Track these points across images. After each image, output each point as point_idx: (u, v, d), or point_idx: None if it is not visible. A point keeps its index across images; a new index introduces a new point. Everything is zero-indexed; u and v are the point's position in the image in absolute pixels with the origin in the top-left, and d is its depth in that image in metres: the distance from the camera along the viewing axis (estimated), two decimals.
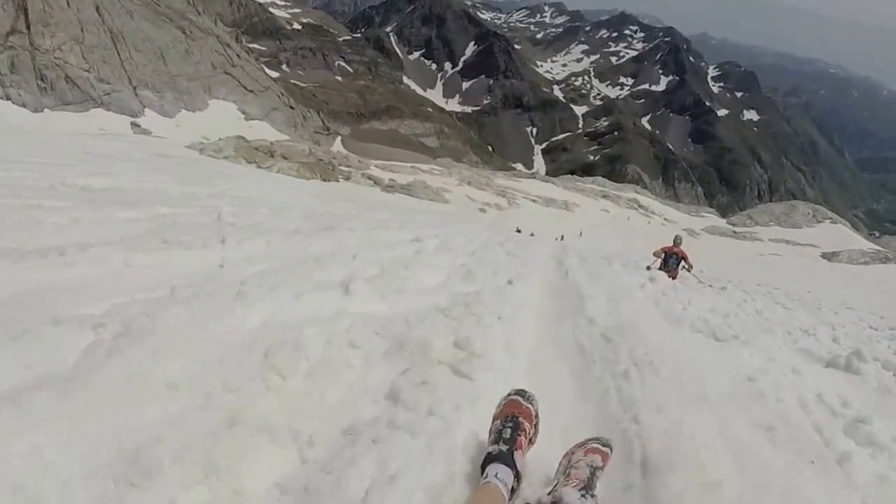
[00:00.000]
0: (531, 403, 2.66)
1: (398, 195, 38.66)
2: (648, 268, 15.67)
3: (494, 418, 2.61)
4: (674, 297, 8.74)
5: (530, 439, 2.60)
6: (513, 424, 2.50)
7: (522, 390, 2.74)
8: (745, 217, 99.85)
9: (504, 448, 2.36)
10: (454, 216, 37.38)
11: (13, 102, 45.95)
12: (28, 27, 47.38)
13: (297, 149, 40.52)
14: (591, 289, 7.12)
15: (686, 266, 15.93)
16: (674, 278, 14.99)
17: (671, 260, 15.77)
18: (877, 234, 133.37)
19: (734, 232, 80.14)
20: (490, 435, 2.53)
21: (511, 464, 2.30)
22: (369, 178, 41.88)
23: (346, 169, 42.32)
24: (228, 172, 20.23)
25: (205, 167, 19.84)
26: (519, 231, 31.07)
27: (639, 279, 10.20)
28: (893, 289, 34.88)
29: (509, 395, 2.71)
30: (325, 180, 33.18)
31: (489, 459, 2.33)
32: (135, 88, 56.59)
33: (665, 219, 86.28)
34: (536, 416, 2.68)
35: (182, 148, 30.37)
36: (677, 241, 16.13)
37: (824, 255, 62.15)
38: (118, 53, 56.08)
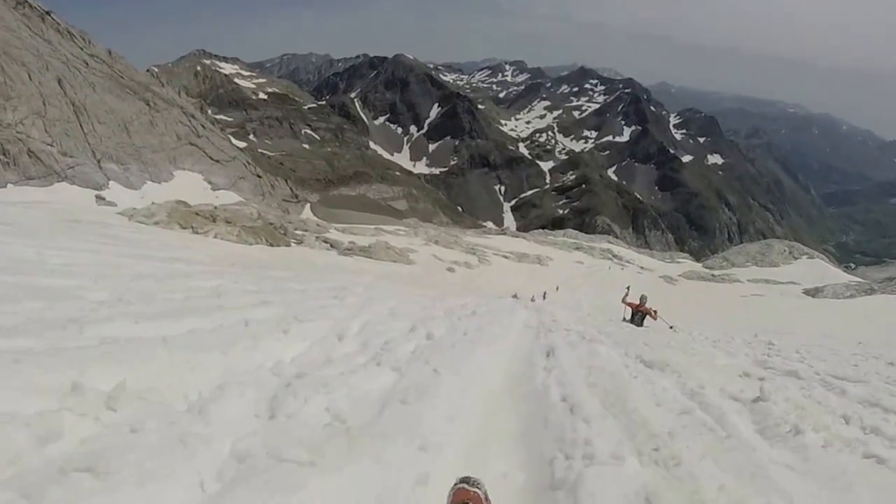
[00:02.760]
0: (478, 487, 2.59)
1: (356, 258, 36.11)
2: (624, 319, 18.60)
3: None
4: None
5: None
6: None
7: (467, 477, 2.68)
8: (720, 259, 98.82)
9: None
10: (417, 278, 34.96)
11: None
12: None
13: (244, 213, 38.03)
14: None
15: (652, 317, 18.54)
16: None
17: (636, 317, 18.13)
18: (852, 265, 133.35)
19: (712, 275, 78.39)
20: None
21: None
22: (325, 241, 39.33)
23: (300, 233, 39.86)
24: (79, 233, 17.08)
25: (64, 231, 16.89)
26: (516, 297, 28.38)
27: None
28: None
29: (456, 484, 2.63)
30: (271, 245, 30.58)
31: None
32: (99, 161, 54.50)
33: (641, 267, 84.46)
34: (486, 499, 2.59)
35: (112, 215, 28.11)
36: (643, 300, 18.36)
37: (807, 292, 60.45)
38: (81, 126, 54.47)
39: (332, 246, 38.47)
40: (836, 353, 15.00)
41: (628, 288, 20.95)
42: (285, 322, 6.28)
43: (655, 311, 18.55)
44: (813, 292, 59.38)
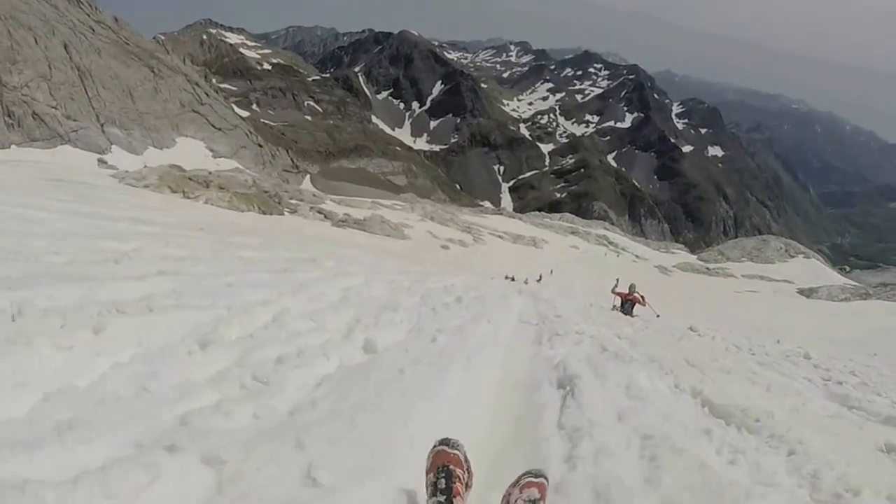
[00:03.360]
0: (458, 449, 2.60)
1: (349, 230, 35.77)
2: (614, 307, 18.92)
3: (427, 472, 2.54)
4: None
5: (466, 484, 2.56)
6: (446, 474, 2.44)
7: (447, 439, 2.66)
8: (716, 253, 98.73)
9: (442, 499, 2.34)
10: (410, 253, 34.57)
11: None
12: None
13: (239, 180, 37.62)
14: None
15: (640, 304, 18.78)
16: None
17: (626, 304, 18.49)
18: (847, 268, 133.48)
19: (707, 268, 78.31)
20: (427, 489, 2.47)
21: None
22: (320, 211, 38.93)
23: (295, 202, 39.47)
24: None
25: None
26: (512, 279, 28.35)
27: None
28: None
29: (435, 446, 2.63)
30: (263, 213, 30.14)
31: None
32: (102, 125, 55.39)
33: (636, 255, 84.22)
34: (466, 460, 2.63)
35: (104, 176, 27.74)
36: (632, 288, 18.73)
37: (801, 292, 60.27)
38: (85, 90, 55.22)
39: (326, 217, 38.11)
40: (882, 375, 13.29)
41: (617, 280, 21.42)
42: (123, 309, 3.84)
43: (643, 297, 18.97)
44: (807, 292, 59.17)
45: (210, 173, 36.32)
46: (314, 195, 52.37)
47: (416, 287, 10.62)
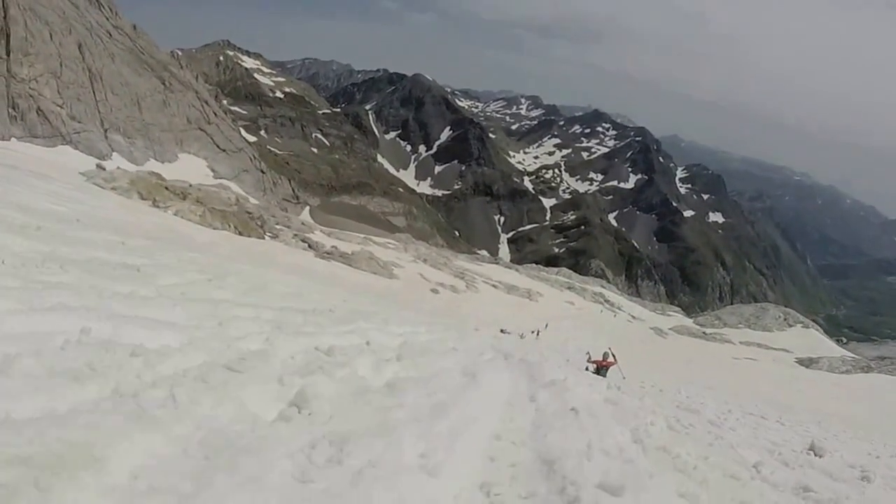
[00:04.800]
0: None
1: (333, 263, 33.86)
2: (587, 368, 18.65)
3: None
4: None
5: None
6: None
7: None
8: (713, 317, 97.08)
9: None
10: (394, 293, 32.69)
11: None
12: (8, 53, 45.37)
13: (221, 196, 35.91)
14: None
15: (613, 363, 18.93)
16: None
17: (602, 371, 18.42)
18: (844, 340, 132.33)
19: (704, 333, 76.42)
20: None
21: None
22: (304, 241, 37.05)
23: (279, 228, 37.70)
24: None
25: None
26: (502, 331, 26.82)
27: None
28: None
29: None
30: (240, 233, 28.28)
31: None
32: (106, 131, 54.51)
33: (632, 316, 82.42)
34: None
35: (74, 173, 26.18)
36: (606, 356, 18.95)
37: (801, 362, 58.53)
38: (94, 94, 54.48)
39: (310, 247, 36.24)
40: None
41: (588, 353, 22.16)
42: None
43: (615, 356, 19.40)
44: (807, 363, 57.52)
45: (190, 186, 34.64)
46: (303, 223, 50.83)
47: (234, 351, 5.02)
